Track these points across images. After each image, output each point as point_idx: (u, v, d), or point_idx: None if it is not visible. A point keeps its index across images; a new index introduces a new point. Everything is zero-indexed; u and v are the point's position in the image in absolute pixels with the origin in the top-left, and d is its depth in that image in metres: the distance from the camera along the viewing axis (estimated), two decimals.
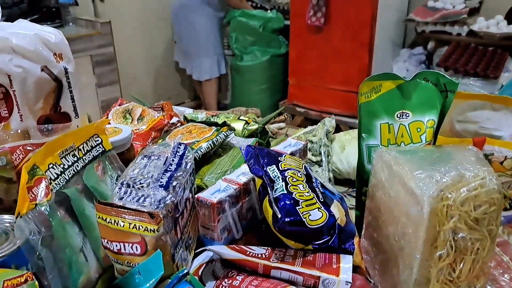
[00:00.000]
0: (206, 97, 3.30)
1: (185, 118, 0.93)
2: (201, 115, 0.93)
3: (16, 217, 0.47)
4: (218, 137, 0.77)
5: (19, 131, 0.58)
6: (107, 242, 0.53)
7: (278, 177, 0.61)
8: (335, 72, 2.94)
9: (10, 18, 2.59)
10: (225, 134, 0.79)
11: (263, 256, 0.57)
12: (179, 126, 0.87)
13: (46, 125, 0.60)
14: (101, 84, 2.82)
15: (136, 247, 0.52)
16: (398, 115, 0.75)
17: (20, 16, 2.85)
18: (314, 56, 3.01)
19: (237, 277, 0.55)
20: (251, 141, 0.84)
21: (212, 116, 0.91)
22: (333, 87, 3.01)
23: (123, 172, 0.63)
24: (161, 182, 0.55)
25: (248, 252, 0.58)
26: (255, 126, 0.87)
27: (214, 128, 0.81)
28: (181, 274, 0.52)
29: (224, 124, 0.83)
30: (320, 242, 0.59)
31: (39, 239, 0.48)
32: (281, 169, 0.62)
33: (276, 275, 0.55)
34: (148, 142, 0.80)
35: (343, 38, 2.85)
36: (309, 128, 1.09)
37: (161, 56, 3.53)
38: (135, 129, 0.80)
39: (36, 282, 0.44)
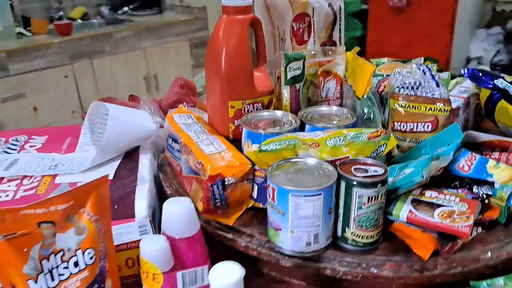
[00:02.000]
0: None
1: None
2: None
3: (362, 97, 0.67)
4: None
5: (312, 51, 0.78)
6: (399, 124, 0.72)
7: (509, 86, 0.79)
8: (416, 53, 3.06)
9: (113, 8, 2.92)
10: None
11: None
12: None
13: (326, 47, 0.79)
14: (197, 65, 3.06)
15: (428, 125, 0.71)
16: None
17: (122, 5, 3.13)
18: (394, 37, 3.14)
19: (494, 154, 0.73)
20: None
21: None
22: None
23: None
24: (431, 82, 0.74)
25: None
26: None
27: None
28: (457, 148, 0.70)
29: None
30: None
31: (371, 114, 0.68)
32: (508, 81, 0.80)
33: None
34: None
35: (426, 19, 2.98)
36: None
37: None
38: None
39: (391, 135, 0.64)
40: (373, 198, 0.56)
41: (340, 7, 0.83)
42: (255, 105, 0.74)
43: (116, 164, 0.79)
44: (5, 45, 2.29)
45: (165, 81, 2.90)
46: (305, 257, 0.59)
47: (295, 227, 0.56)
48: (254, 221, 0.66)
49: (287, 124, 0.68)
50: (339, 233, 0.60)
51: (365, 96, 0.70)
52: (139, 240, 0.62)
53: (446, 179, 0.67)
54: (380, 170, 0.57)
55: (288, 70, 0.72)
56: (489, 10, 3.27)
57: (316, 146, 0.62)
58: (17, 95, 2.29)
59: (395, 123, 0.73)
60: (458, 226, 0.54)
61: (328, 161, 0.61)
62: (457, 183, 0.66)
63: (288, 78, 0.73)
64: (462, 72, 0.85)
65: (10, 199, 0.71)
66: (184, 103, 0.94)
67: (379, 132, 0.64)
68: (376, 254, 0.59)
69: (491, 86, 0.80)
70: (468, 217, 0.56)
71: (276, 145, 0.61)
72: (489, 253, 0.58)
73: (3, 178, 0.77)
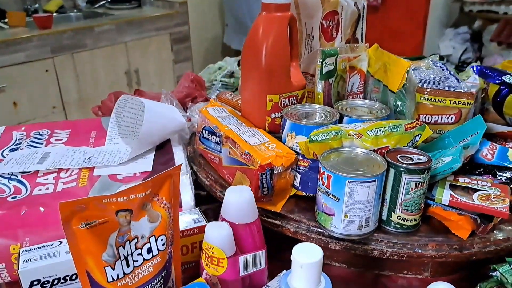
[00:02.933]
0: None
1: None
2: None
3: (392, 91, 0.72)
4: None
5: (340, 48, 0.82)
6: (424, 116, 0.78)
7: None
8: (389, 51, 3.19)
9: (89, 1, 2.88)
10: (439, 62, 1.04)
11: None
12: None
13: (353, 44, 0.84)
14: (177, 60, 3.05)
15: (452, 117, 0.76)
16: None
17: None
18: (369, 35, 3.24)
19: (508, 144, 0.80)
20: None
21: None
22: None
23: None
24: (451, 78, 0.80)
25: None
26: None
27: None
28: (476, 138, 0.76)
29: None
30: None
31: (403, 107, 0.73)
32: None
33: None
34: None
35: (399, 18, 3.10)
36: None
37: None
38: None
39: (426, 126, 0.69)
40: (420, 184, 0.61)
41: (364, 6, 0.87)
42: (290, 98, 0.77)
43: (151, 156, 0.81)
44: None
45: (146, 76, 2.88)
46: (354, 240, 0.63)
47: (349, 212, 0.60)
48: (297, 208, 0.70)
49: (328, 116, 0.72)
50: (384, 217, 0.64)
51: (399, 90, 0.75)
52: (193, 228, 0.65)
53: (470, 167, 0.73)
54: (424, 158, 0.62)
55: (324, 65, 0.76)
56: (457, 10, 3.43)
57: (358, 136, 0.67)
58: None
59: (420, 116, 0.78)
60: (497, 208, 0.60)
61: (371, 151, 0.65)
62: (481, 170, 0.72)
63: (323, 73, 0.77)
64: (471, 69, 0.92)
65: (51, 191, 0.72)
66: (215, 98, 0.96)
67: (414, 123, 0.69)
68: (419, 236, 0.64)
69: (499, 81, 0.87)
70: (504, 199, 0.62)
71: (324, 135, 0.65)
72: None
73: (38, 171, 0.77)
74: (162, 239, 0.55)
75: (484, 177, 0.71)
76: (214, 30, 3.64)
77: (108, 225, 0.51)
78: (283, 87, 0.76)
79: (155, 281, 0.55)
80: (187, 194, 0.72)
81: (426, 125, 0.70)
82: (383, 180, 0.61)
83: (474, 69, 0.92)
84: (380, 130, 0.67)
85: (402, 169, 0.60)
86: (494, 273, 0.62)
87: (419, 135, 0.69)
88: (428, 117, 0.78)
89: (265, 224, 0.68)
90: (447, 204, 0.63)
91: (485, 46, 3.19)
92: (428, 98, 0.77)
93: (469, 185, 0.65)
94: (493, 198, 0.62)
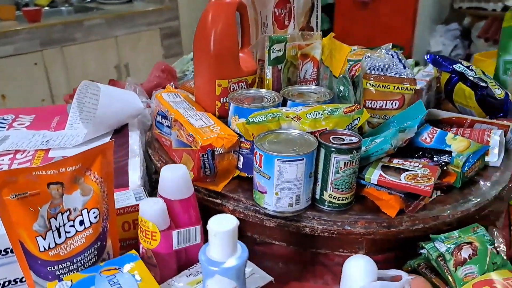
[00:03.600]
0: None
1: None
2: None
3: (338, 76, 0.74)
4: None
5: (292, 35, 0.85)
6: (370, 102, 0.80)
7: (466, 70, 0.88)
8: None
9: None
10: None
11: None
12: None
13: (305, 32, 0.86)
14: (167, 55, 3.08)
15: (396, 103, 0.79)
16: None
17: None
18: (359, 31, 3.27)
19: (452, 129, 0.82)
20: None
21: None
22: None
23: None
24: (398, 65, 0.82)
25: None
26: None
27: None
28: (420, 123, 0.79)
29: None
30: (496, 113, 0.86)
31: (346, 92, 0.75)
32: (465, 65, 0.90)
33: (477, 127, 0.82)
34: None
35: (389, 14, 3.12)
36: None
37: None
38: None
39: (364, 110, 0.71)
40: (349, 163, 0.63)
41: None
42: (240, 84, 0.80)
43: (107, 139, 0.84)
44: None
45: (136, 70, 2.90)
46: (287, 217, 0.66)
47: (279, 189, 0.63)
48: (240, 189, 0.72)
49: (271, 100, 0.74)
50: (318, 195, 0.67)
51: (341, 75, 0.77)
52: (135, 205, 0.68)
53: (411, 150, 0.75)
54: (355, 139, 0.65)
55: (271, 51, 0.79)
56: (447, 7, 3.44)
57: (298, 119, 0.69)
58: None
59: (366, 101, 0.81)
60: (421, 186, 0.63)
61: (308, 132, 0.68)
62: (420, 153, 0.74)
63: (271, 59, 0.79)
64: (425, 57, 0.94)
65: None
66: (171, 83, 0.99)
67: (353, 107, 0.72)
68: (350, 214, 0.66)
69: (450, 69, 0.90)
70: (429, 179, 0.64)
71: (262, 117, 0.68)
72: (447, 212, 0.67)
73: None
74: (94, 212, 0.58)
75: (422, 160, 0.73)
76: None
77: (39, 197, 0.54)
78: (231, 72, 0.79)
79: (88, 252, 0.57)
80: (135, 174, 0.75)
81: (364, 109, 0.72)
82: (313, 159, 0.63)
83: (428, 57, 0.94)
84: (319, 113, 0.70)
85: (332, 149, 0.63)
86: (422, 251, 0.65)
87: (358, 119, 0.72)
88: (374, 103, 0.80)
89: (207, 204, 0.71)
90: (376, 183, 0.66)
91: (473, 43, 3.20)
92: (373, 84, 0.79)
93: (401, 166, 0.68)
94: (420, 177, 0.65)
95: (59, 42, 2.49)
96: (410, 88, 0.78)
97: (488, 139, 0.77)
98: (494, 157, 0.76)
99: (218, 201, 0.70)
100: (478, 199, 0.69)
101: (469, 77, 0.86)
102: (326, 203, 0.66)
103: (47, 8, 2.87)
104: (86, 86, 0.89)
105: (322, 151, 0.64)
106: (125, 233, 0.68)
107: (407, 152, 0.75)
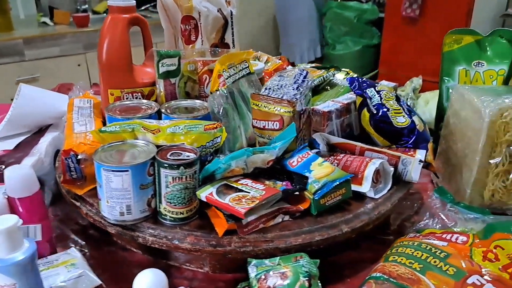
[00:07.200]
0: None
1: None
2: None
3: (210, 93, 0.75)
4: (327, 74, 1.02)
5: (200, 50, 0.87)
6: (256, 122, 0.79)
7: (375, 94, 0.84)
8: (427, 64, 3.04)
9: (137, 3, 2.96)
10: (333, 73, 1.03)
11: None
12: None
13: (215, 48, 0.88)
14: None
15: (276, 124, 0.77)
16: (475, 64, 0.94)
17: (146, 1, 3.28)
18: (407, 47, 3.13)
19: (340, 155, 0.79)
20: None
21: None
22: (424, 78, 3.12)
23: (259, 89, 0.89)
24: (293, 86, 0.81)
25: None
26: (356, 74, 1.11)
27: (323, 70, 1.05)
28: (302, 147, 0.77)
29: (332, 67, 1.07)
30: (402, 142, 0.81)
31: (220, 109, 0.76)
32: (377, 90, 0.85)
33: (368, 155, 0.78)
34: None
35: (438, 31, 2.94)
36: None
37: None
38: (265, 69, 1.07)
39: (224, 128, 0.72)
40: (178, 179, 0.64)
41: (232, 12, 0.91)
42: (134, 94, 0.84)
43: (23, 137, 0.92)
44: (25, 33, 2.52)
45: None
46: (124, 226, 0.68)
47: (109, 197, 0.65)
48: None
49: (149, 111, 0.77)
50: (158, 208, 0.68)
51: (217, 92, 0.78)
52: None
53: (279, 171, 0.74)
54: (192, 156, 0.66)
55: (160, 65, 0.82)
56: (501, 23, 3.18)
57: (157, 132, 0.71)
58: (31, 78, 2.50)
59: (254, 121, 0.80)
60: (236, 208, 0.62)
61: (162, 145, 0.69)
62: (284, 176, 0.73)
63: (160, 72, 0.82)
64: (347, 80, 0.91)
65: None
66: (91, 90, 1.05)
67: (215, 125, 0.72)
68: (183, 229, 0.67)
69: (359, 93, 0.86)
70: (253, 201, 0.63)
71: (116, 127, 0.71)
72: (286, 238, 0.65)
73: None
74: None
75: (284, 182, 0.71)
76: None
77: None
78: (124, 83, 0.83)
79: None
80: None
81: (224, 128, 0.72)
82: (144, 172, 0.65)
83: (348, 79, 0.90)
84: (179, 128, 0.71)
85: (161, 164, 0.64)
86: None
87: (220, 137, 0.72)
88: (260, 123, 0.80)
89: (71, 205, 0.76)
90: (204, 200, 0.66)
91: None
92: (256, 104, 0.79)
93: (240, 187, 0.67)
94: (245, 199, 0.64)
95: None
96: (288, 111, 0.76)
97: (363, 168, 0.73)
98: (365, 188, 0.72)
99: (78, 203, 0.75)
100: (322, 232, 0.66)
101: (372, 103, 0.82)
102: (162, 216, 0.68)
103: (104, 14, 3.12)
104: (18, 87, 0.98)
105: (156, 165, 0.66)
106: None
107: (275, 173, 0.74)
